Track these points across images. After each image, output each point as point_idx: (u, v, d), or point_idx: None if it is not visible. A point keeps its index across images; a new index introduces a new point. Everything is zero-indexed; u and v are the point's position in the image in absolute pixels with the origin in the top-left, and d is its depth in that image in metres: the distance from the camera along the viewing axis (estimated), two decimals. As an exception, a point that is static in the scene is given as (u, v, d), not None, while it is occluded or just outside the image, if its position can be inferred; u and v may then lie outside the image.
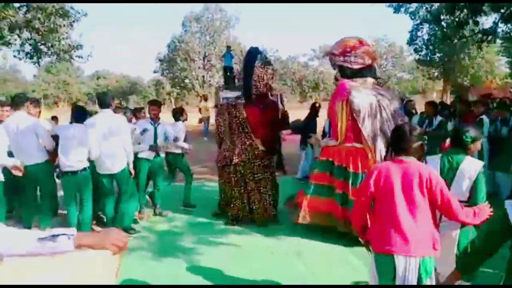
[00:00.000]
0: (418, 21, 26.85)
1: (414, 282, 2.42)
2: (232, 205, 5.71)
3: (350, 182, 4.75)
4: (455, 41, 21.13)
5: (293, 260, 4.44)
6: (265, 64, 5.75)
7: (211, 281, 3.98)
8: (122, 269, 4.35)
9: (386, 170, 2.52)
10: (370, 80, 5.13)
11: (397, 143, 2.58)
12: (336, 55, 5.19)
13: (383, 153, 4.63)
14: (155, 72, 36.23)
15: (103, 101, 5.13)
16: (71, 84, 45.17)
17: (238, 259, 4.52)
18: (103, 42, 71.00)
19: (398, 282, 2.45)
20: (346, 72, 5.12)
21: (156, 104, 6.17)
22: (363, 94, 4.80)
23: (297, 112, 20.99)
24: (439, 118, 6.90)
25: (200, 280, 4.01)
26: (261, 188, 5.65)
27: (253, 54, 5.81)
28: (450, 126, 6.92)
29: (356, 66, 5.06)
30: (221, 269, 4.24)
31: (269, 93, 5.85)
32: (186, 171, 6.57)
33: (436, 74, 29.82)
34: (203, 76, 31.98)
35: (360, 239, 2.85)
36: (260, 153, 5.65)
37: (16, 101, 5.02)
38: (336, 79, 5.30)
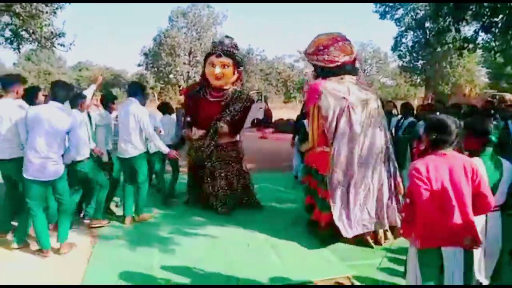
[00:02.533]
0: (403, 28, 27.31)
1: (461, 274, 2.45)
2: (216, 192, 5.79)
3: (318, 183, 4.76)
4: (438, 48, 21.58)
5: (268, 253, 4.44)
6: (211, 54, 5.77)
7: (185, 271, 3.95)
8: (93, 257, 4.34)
9: (434, 166, 2.49)
10: (347, 77, 4.83)
11: (441, 137, 2.53)
12: (309, 54, 4.97)
13: (343, 157, 4.55)
14: (139, 65, 35.91)
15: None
16: (52, 73, 44.20)
17: (213, 250, 4.50)
18: (87, 32, 69.73)
19: (446, 275, 2.46)
20: (320, 72, 4.92)
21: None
22: (332, 97, 4.55)
23: (281, 112, 21.16)
24: (410, 119, 6.81)
25: (174, 270, 3.97)
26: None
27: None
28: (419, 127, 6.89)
29: (330, 65, 4.80)
30: (196, 259, 4.21)
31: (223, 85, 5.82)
32: (173, 164, 6.52)
33: (418, 81, 30.39)
34: (188, 72, 31.82)
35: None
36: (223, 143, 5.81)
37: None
38: (315, 78, 5.09)
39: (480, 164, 2.73)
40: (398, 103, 7.95)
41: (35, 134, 4.00)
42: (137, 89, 5.39)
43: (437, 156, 2.53)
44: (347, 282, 3.83)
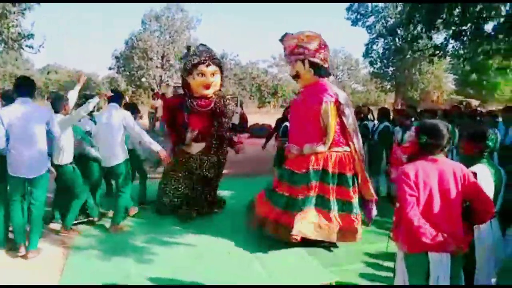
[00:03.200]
0: (374, 35, 28.02)
1: (447, 279, 2.43)
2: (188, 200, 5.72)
3: (348, 184, 4.62)
4: (408, 54, 22.18)
5: (250, 261, 4.35)
6: (193, 53, 5.76)
7: (164, 281, 3.82)
8: (67, 267, 4.14)
9: (424, 171, 2.48)
10: (331, 78, 4.96)
11: (433, 141, 2.52)
12: (310, 49, 4.68)
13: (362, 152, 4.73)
14: (110, 69, 35.10)
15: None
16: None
17: (193, 259, 4.36)
18: (56, 34, 67.71)
19: (431, 280, 2.45)
20: (320, 70, 4.74)
21: None
22: (344, 97, 4.66)
23: (255, 117, 21.10)
24: (385, 123, 6.90)
25: (152, 280, 3.83)
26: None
27: (193, 53, 5.85)
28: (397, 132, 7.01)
29: (326, 64, 4.78)
30: (175, 268, 4.08)
31: (212, 93, 5.73)
32: (141, 169, 6.35)
33: (388, 87, 31.16)
34: (161, 76, 31.36)
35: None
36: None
37: None
38: (295, 76, 4.91)
39: (484, 171, 2.74)
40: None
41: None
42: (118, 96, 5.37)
43: (427, 161, 2.53)
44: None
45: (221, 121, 5.75)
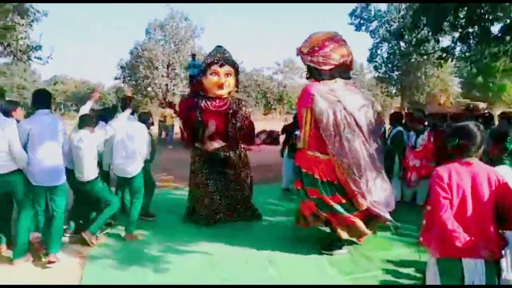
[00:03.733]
0: (378, 40, 28.00)
1: (483, 284, 2.39)
2: (209, 205, 5.68)
3: (321, 190, 4.53)
4: (414, 58, 22.16)
5: (267, 269, 4.31)
6: (211, 53, 5.85)
7: (182, 291, 3.81)
8: (84, 278, 4.14)
9: (457, 174, 2.44)
10: (340, 80, 4.72)
11: (468, 145, 2.47)
12: (304, 53, 4.73)
13: (365, 157, 4.53)
14: (116, 78, 35.28)
15: None
16: (26, 88, 43.09)
17: (209, 267, 4.35)
18: (62, 45, 68.40)
19: (466, 284, 2.41)
20: (314, 73, 4.75)
21: None
22: (326, 101, 4.45)
23: (261, 124, 21.12)
24: (398, 128, 6.86)
25: (170, 290, 3.82)
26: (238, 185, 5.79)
27: (209, 53, 5.96)
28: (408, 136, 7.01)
29: (324, 67, 4.63)
30: (191, 277, 4.06)
31: (227, 94, 5.84)
32: (149, 179, 6.34)
33: (394, 91, 31.03)
34: (167, 85, 31.50)
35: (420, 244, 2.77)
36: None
37: None
38: (308, 78, 4.97)
39: (508, 172, 2.69)
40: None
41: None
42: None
43: (461, 164, 2.48)
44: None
45: (234, 122, 5.80)
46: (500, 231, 2.53)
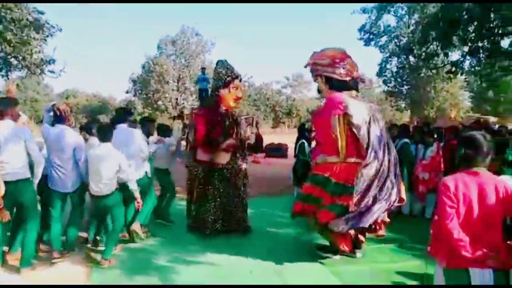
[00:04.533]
0: (388, 54, 28.06)
1: None
2: (209, 218, 5.66)
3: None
4: (424, 72, 22.13)
5: (273, 280, 4.29)
6: (222, 67, 5.90)
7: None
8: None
9: (463, 183, 2.44)
10: (353, 92, 4.93)
11: (473, 155, 2.47)
12: (323, 65, 4.91)
13: (389, 164, 4.58)
14: (127, 92, 35.91)
15: None
16: (39, 101, 43.89)
17: (216, 278, 4.33)
18: (74, 59, 69.80)
19: None
20: (333, 84, 4.88)
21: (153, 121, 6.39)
22: (358, 108, 4.60)
23: (270, 137, 21.20)
24: (404, 140, 6.84)
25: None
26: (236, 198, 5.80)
27: (227, 67, 5.95)
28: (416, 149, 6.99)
29: (346, 78, 4.85)
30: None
31: (234, 102, 5.93)
32: (170, 186, 6.45)
33: (403, 105, 30.95)
34: (177, 99, 31.93)
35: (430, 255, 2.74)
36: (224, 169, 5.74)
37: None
38: (319, 91, 5.11)
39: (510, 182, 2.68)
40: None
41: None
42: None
43: (468, 174, 2.48)
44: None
45: (240, 131, 5.97)
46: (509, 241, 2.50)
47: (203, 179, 5.77)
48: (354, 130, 4.53)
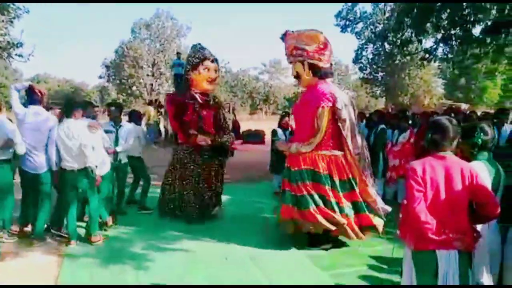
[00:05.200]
0: (363, 41, 28.27)
1: (456, 277, 2.42)
2: (184, 204, 5.65)
3: (339, 189, 4.53)
4: (397, 59, 22.45)
5: (249, 266, 4.29)
6: (196, 50, 5.82)
7: (162, 288, 3.76)
8: (62, 276, 4.06)
9: (431, 167, 2.47)
10: (331, 79, 4.87)
11: (440, 139, 2.51)
12: (308, 51, 4.61)
13: (368, 156, 4.71)
14: (100, 77, 35.03)
15: None
16: (7, 87, 42.20)
17: (191, 264, 4.30)
18: (44, 43, 67.43)
19: (440, 278, 2.44)
20: (318, 71, 4.66)
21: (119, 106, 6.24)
22: (342, 100, 4.54)
23: (247, 123, 21.15)
24: (381, 126, 6.97)
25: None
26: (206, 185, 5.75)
27: (197, 50, 5.86)
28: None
29: (327, 65, 4.69)
30: (174, 275, 4.01)
31: (213, 89, 5.94)
32: (144, 174, 6.42)
33: (378, 92, 31.37)
34: (152, 84, 31.33)
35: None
36: (206, 150, 5.69)
37: None
38: (296, 77, 4.87)
39: (480, 168, 2.73)
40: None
41: None
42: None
43: (435, 158, 2.52)
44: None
45: (221, 115, 5.93)
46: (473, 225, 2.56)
47: (183, 160, 5.74)
48: (340, 124, 4.49)
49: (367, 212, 4.55)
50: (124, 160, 5.93)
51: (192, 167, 5.67)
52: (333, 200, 4.49)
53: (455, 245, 2.42)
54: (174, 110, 5.88)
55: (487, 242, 2.87)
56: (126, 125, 6.04)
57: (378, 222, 4.56)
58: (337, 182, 4.53)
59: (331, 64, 4.86)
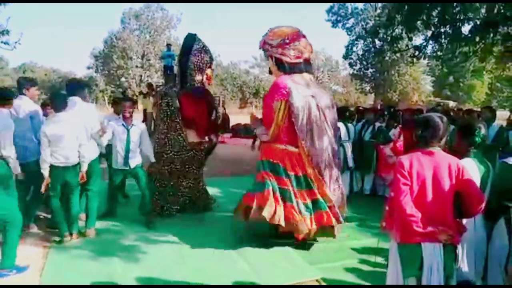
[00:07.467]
0: (354, 37, 28.37)
1: (441, 270, 2.47)
2: (164, 198, 5.61)
3: (294, 184, 4.48)
4: (387, 56, 22.56)
5: (235, 259, 4.30)
6: (202, 51, 5.69)
7: (151, 281, 3.75)
8: (47, 266, 4.01)
9: (418, 162, 2.51)
10: (306, 75, 4.73)
11: (428, 134, 2.55)
12: (272, 46, 4.68)
13: (329, 153, 4.65)
14: (88, 68, 34.52)
15: None
16: (-8, 75, 41.44)
17: (179, 258, 4.30)
18: (31, 31, 65.98)
19: (425, 270, 2.49)
20: (283, 66, 4.66)
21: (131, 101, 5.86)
22: (301, 95, 4.45)
23: (237, 117, 21.06)
24: (377, 124, 7.03)
25: (138, 280, 3.75)
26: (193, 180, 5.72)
27: (190, 41, 5.73)
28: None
29: (294, 60, 4.64)
30: (161, 268, 4.01)
31: (207, 82, 5.86)
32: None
33: (368, 88, 31.55)
34: (141, 75, 30.99)
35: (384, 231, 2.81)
36: (193, 144, 5.63)
37: None
38: (270, 72, 4.92)
39: (470, 165, 2.76)
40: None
41: None
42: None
43: (423, 153, 2.56)
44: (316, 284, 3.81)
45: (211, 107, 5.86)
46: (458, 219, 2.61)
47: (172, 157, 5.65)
48: (293, 118, 4.42)
49: (328, 210, 4.46)
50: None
51: (180, 160, 5.61)
52: (290, 189, 4.45)
53: (440, 238, 2.47)
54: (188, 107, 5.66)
55: (473, 239, 2.93)
56: (139, 125, 5.45)
57: (336, 225, 4.52)
58: (292, 176, 4.48)
59: (307, 60, 4.77)
